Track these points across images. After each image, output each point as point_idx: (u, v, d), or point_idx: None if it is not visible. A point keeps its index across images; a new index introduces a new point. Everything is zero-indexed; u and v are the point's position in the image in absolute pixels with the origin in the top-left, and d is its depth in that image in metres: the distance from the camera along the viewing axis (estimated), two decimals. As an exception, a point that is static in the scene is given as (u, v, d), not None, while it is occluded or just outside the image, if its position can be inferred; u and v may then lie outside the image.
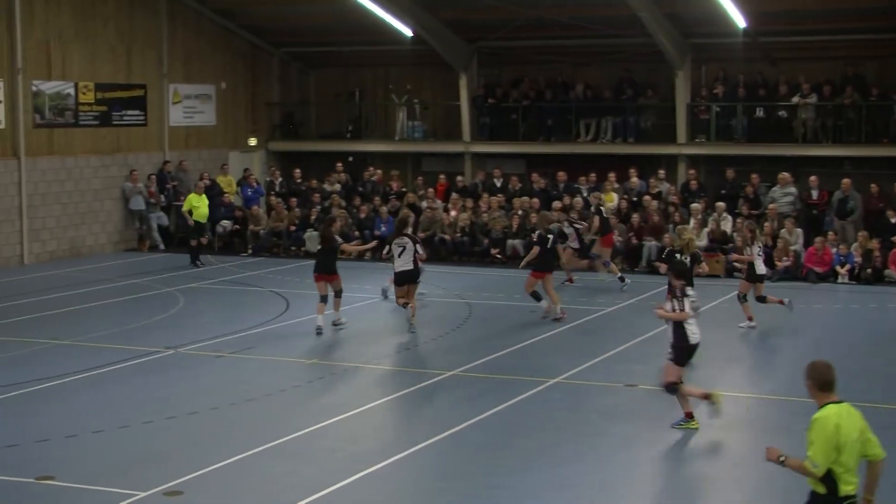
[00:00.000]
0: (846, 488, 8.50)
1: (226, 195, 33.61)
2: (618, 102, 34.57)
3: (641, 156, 33.77)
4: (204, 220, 30.20)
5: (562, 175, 32.61)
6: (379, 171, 35.03)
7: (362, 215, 31.81)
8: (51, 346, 20.04)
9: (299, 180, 34.67)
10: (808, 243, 28.18)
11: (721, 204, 29.60)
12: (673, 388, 14.74)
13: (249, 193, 33.83)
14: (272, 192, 34.17)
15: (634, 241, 29.36)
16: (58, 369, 18.09)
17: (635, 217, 29.85)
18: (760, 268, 21.85)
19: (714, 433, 14.86)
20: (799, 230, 28.48)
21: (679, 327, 14.71)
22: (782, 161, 31.68)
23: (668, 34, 32.01)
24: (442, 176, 34.15)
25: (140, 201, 32.45)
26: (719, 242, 28.63)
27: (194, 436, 14.83)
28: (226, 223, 32.80)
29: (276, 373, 18.26)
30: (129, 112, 33.31)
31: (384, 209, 31.38)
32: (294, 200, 32.98)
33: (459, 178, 34.28)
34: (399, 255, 21.14)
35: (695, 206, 29.53)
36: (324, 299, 21.16)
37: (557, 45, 35.44)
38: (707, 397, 15.02)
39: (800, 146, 31.94)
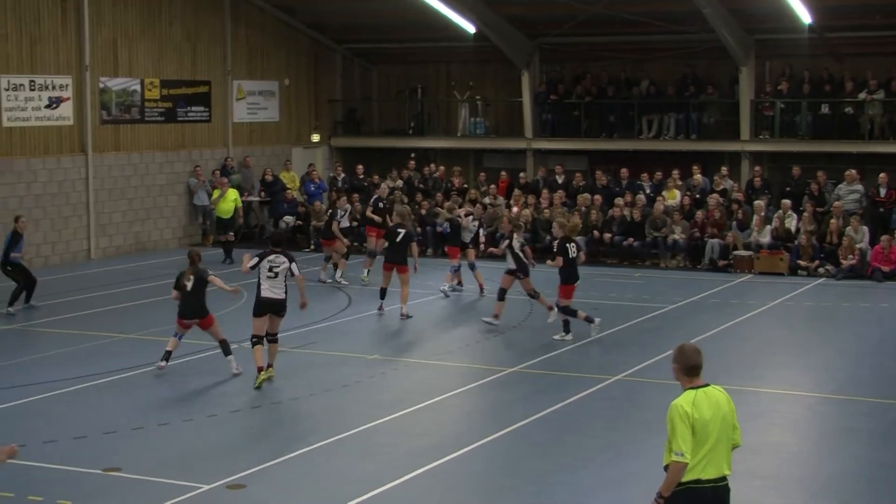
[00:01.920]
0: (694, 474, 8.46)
1: (288, 191, 33.86)
2: (680, 99, 34.42)
3: (704, 152, 33.58)
4: (227, 216, 30.31)
5: (624, 172, 32.56)
6: (441, 168, 35.12)
7: (423, 211, 31.92)
8: (117, 339, 20.34)
9: (361, 176, 34.83)
10: (874, 241, 27.91)
11: (787, 201, 29.36)
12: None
13: (312, 189, 34.03)
14: (334, 188, 34.38)
15: (698, 238, 29.22)
16: (123, 363, 18.35)
17: (699, 214, 29.72)
18: None
19: (775, 432, 14.82)
20: (865, 228, 28.20)
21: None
22: (848, 158, 31.38)
23: (731, 30, 31.81)
24: (503, 172, 34.17)
25: (204, 197, 32.76)
26: (783, 240, 28.43)
27: (257, 430, 15.02)
28: (288, 219, 33.02)
29: (338, 368, 18.40)
30: (194, 108, 33.66)
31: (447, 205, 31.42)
32: (356, 196, 33.13)
33: (521, 174, 34.27)
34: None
35: (759, 203, 29.34)
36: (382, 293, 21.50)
37: (619, 42, 35.36)
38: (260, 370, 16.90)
39: (866, 143, 31.62)
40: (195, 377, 17.72)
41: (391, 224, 23.28)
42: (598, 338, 20.56)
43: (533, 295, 21.36)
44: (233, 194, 30.57)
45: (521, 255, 21.21)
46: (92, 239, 30.39)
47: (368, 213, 28.17)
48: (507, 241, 21.48)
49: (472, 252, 25.68)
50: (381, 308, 22.38)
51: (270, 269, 17.13)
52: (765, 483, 12.84)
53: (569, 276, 20.25)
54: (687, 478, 8.41)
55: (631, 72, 36.04)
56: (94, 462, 13.36)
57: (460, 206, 27.89)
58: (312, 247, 31.57)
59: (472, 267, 25.10)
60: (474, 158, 37.71)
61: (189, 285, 17.38)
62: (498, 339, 20.74)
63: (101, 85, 30.66)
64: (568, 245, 20.29)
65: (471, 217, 26.74)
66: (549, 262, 20.76)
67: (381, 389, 17.38)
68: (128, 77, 31.44)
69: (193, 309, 17.44)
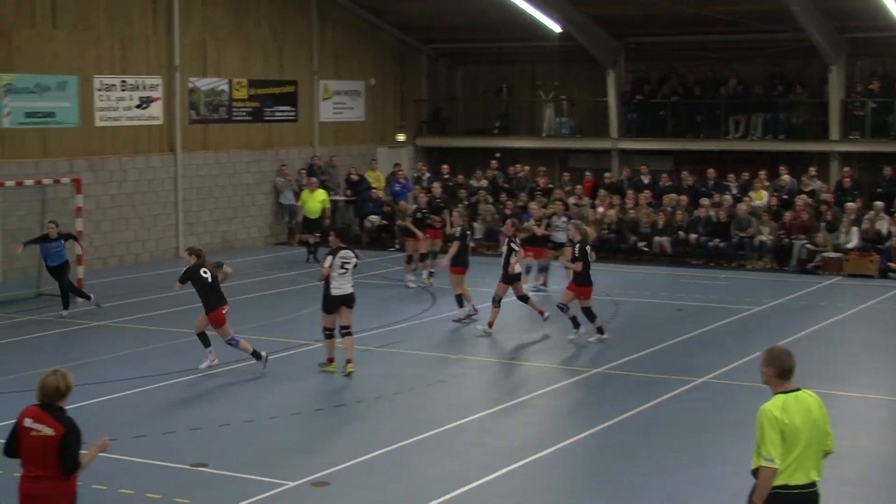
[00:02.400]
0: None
1: (373, 190, 33.98)
2: (768, 98, 34.03)
3: (792, 153, 33.17)
4: (314, 216, 30.26)
5: (711, 172, 32.25)
6: (526, 168, 35.06)
7: (508, 211, 31.84)
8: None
9: (446, 176, 34.86)
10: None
11: (879, 203, 28.85)
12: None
13: (397, 189, 34.11)
14: (419, 188, 34.41)
15: (785, 239, 28.87)
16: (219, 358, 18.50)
17: (786, 215, 29.35)
18: None
19: (863, 438, 14.59)
20: (956, 230, 27.71)
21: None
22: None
23: (821, 29, 31.39)
24: (588, 172, 34.02)
25: (290, 196, 33.00)
26: (873, 242, 27.98)
27: (341, 428, 15.09)
28: (374, 218, 33.15)
29: (422, 367, 18.44)
30: (281, 108, 33.93)
31: (532, 206, 31.32)
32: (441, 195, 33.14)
33: (606, 174, 34.11)
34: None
35: (850, 204, 28.89)
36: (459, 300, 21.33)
37: (706, 41, 35.05)
38: (330, 360, 17.58)
39: (960, 143, 31.09)
40: (280, 375, 17.85)
41: (458, 226, 22.73)
42: (683, 339, 20.40)
43: (496, 301, 20.72)
44: (321, 194, 30.64)
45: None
46: (180, 237, 30.74)
47: (407, 222, 27.32)
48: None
49: (567, 251, 25.42)
50: (471, 313, 22.00)
51: (342, 266, 17.42)
52: (853, 489, 12.64)
53: (586, 279, 19.91)
54: (775, 483, 8.29)
55: (718, 71, 35.72)
56: (182, 457, 13.53)
57: (544, 206, 27.74)
58: (397, 246, 31.63)
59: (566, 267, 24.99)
60: (559, 158, 37.60)
61: (209, 278, 17.70)
62: (582, 339, 20.63)
63: (190, 85, 31.02)
64: (587, 248, 19.90)
65: (564, 219, 26.36)
66: (567, 265, 20.34)
67: (465, 389, 17.38)
68: (216, 77, 31.78)
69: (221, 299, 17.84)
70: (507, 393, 16.92)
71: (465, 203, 32.17)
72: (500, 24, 35.59)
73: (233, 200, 32.32)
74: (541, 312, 20.95)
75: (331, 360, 17.73)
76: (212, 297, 17.56)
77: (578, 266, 19.65)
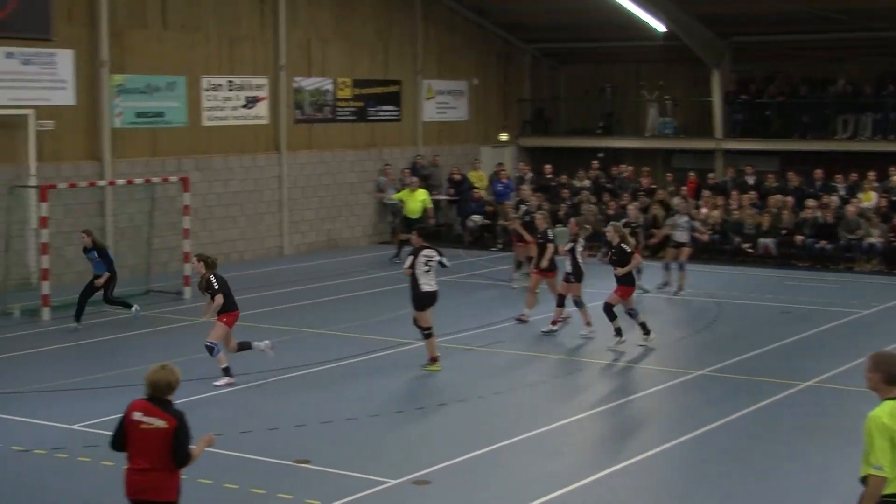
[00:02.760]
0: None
1: (476, 190, 33.99)
2: (878, 98, 33.41)
3: (902, 153, 32.56)
4: (414, 216, 29.79)
5: (818, 173, 31.76)
6: (629, 168, 34.83)
7: (611, 211, 31.68)
8: (307, 334, 20.75)
9: (549, 176, 34.77)
10: None
11: None
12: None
13: (500, 188, 34.08)
14: (522, 188, 34.35)
15: (894, 242, 28.32)
16: (313, 357, 18.70)
17: (896, 217, 28.83)
18: None
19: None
20: None
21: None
22: None
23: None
24: (692, 173, 33.68)
25: (393, 194, 33.12)
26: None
27: (442, 427, 15.12)
28: (476, 218, 33.16)
29: (524, 367, 18.43)
30: (384, 108, 34.11)
31: (630, 207, 31.13)
32: (543, 196, 33.06)
33: (710, 175, 33.76)
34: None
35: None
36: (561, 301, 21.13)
37: (814, 39, 34.51)
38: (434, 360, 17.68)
39: None
40: (381, 374, 17.95)
41: (543, 229, 22.03)
42: (789, 342, 20.13)
43: (579, 303, 20.42)
44: (422, 194, 30.49)
45: (579, 259, 20.40)
46: (285, 236, 31.06)
47: (517, 226, 27.07)
48: (571, 244, 20.53)
49: (686, 251, 25.22)
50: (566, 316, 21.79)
51: (426, 264, 17.60)
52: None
53: (627, 280, 19.61)
54: (885, 491, 8.10)
55: (826, 70, 35.14)
56: (285, 453, 13.66)
57: (645, 208, 27.49)
58: (500, 245, 31.62)
59: (681, 267, 24.84)
60: (662, 159, 37.30)
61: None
62: (685, 341, 20.48)
63: (296, 85, 31.33)
64: (622, 247, 19.60)
65: (686, 218, 26.04)
66: (617, 269, 19.68)
67: (567, 389, 17.34)
68: (321, 77, 32.05)
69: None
70: (610, 394, 16.84)
71: (568, 203, 32.09)
72: (604, 23, 35.43)
73: (336, 199, 32.56)
74: (588, 324, 20.46)
75: (434, 360, 17.82)
76: (228, 301, 17.32)
77: (625, 269, 19.43)
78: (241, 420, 15.17)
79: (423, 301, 17.77)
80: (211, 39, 29.09)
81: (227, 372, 17.04)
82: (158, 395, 9.09)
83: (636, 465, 13.43)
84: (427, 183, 33.51)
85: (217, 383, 16.88)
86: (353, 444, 14.18)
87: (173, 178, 25.75)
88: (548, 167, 35.12)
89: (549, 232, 21.78)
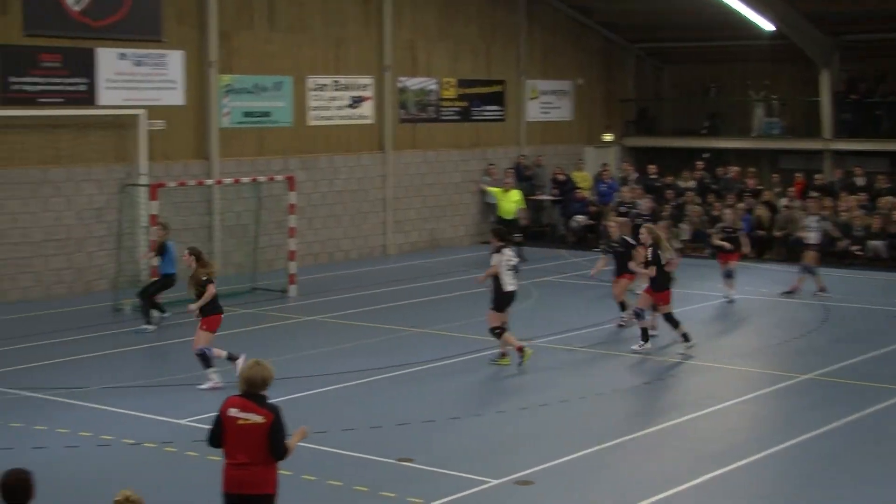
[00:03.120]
0: None
1: (579, 190, 33.87)
2: None
3: None
4: (509, 217, 29.48)
5: (931, 174, 31.17)
6: (735, 168, 34.44)
7: (716, 212, 31.34)
8: (410, 333, 20.85)
9: (654, 176, 34.51)
10: None
11: None
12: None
13: (604, 189, 33.93)
14: (624, 189, 34.16)
15: None
16: (416, 356, 18.80)
17: None
18: None
19: None
20: None
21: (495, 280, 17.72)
22: None
23: None
24: (799, 174, 33.20)
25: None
26: None
27: (545, 427, 15.10)
28: (580, 218, 33.05)
29: (626, 369, 18.34)
30: (488, 108, 34.15)
31: (729, 211, 30.70)
32: (648, 197, 32.84)
33: (817, 175, 33.24)
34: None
35: None
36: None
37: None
38: (520, 350, 17.65)
39: None
40: (483, 374, 17.99)
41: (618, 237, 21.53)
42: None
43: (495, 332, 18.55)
44: (515, 195, 30.08)
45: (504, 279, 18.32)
46: (388, 235, 31.25)
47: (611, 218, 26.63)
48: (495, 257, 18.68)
49: (811, 254, 24.71)
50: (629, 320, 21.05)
51: (508, 263, 17.83)
52: None
53: (662, 284, 19.13)
54: None
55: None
56: (388, 451, 13.75)
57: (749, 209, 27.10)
58: (603, 246, 31.42)
59: (807, 270, 24.44)
60: (769, 159, 36.80)
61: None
62: (790, 344, 20.21)
63: (400, 85, 31.50)
64: (660, 252, 19.09)
65: (816, 218, 25.64)
66: (642, 269, 19.47)
67: (671, 392, 17.24)
68: (425, 77, 32.19)
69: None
70: (714, 396, 16.67)
71: (672, 204, 31.84)
72: (709, 22, 35.07)
73: (440, 199, 32.67)
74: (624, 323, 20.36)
75: (521, 348, 17.89)
76: (213, 304, 16.98)
77: (652, 271, 19.02)
78: (344, 418, 15.30)
79: (506, 301, 17.89)
80: (317, 40, 29.36)
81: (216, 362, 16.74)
82: (254, 391, 9.26)
83: (740, 469, 13.29)
84: (530, 183, 33.50)
85: (202, 387, 16.59)
86: (455, 443, 14.24)
87: (279, 177, 26.03)
88: (652, 167, 34.84)
89: (629, 239, 21.34)
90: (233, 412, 9.22)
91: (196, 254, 17.16)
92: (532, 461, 13.34)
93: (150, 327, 21.07)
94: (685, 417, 15.48)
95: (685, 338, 19.07)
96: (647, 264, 19.26)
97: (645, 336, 19.21)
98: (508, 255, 17.88)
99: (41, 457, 13.33)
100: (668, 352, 19.41)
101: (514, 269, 17.90)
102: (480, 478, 12.76)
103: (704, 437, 14.69)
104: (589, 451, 13.87)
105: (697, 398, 16.57)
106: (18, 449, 13.75)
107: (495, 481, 12.67)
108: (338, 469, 13.07)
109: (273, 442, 9.13)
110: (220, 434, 9.29)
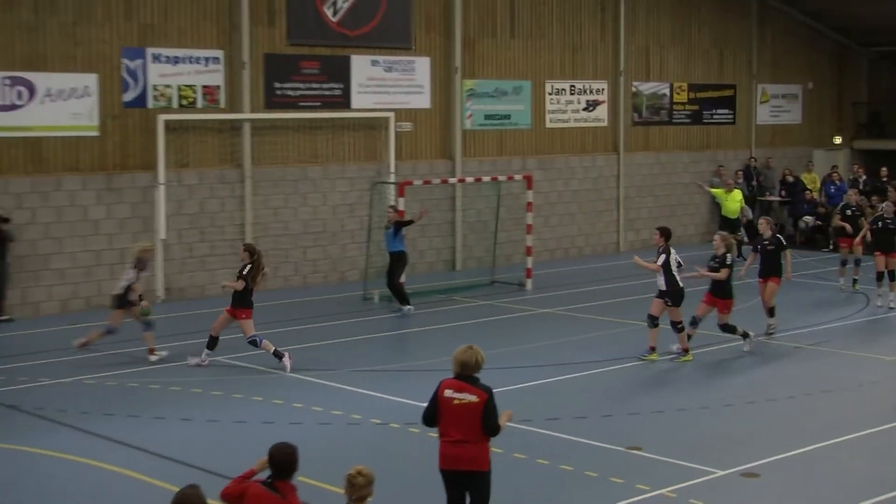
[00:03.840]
0: None
1: (808, 192, 32.98)
2: None
3: None
4: (732, 217, 28.68)
5: None
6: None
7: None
8: (639, 327, 20.62)
9: (885, 178, 33.24)
10: None
11: None
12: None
13: (832, 190, 32.91)
14: (850, 192, 32.98)
15: None
16: (643, 348, 18.54)
17: None
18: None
19: None
20: None
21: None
22: None
23: None
24: None
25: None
26: None
27: (772, 422, 14.75)
28: (808, 219, 32.18)
29: (854, 367, 17.74)
30: (719, 111, 33.57)
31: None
32: (876, 198, 31.67)
33: None
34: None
35: None
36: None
37: None
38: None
39: None
40: (710, 368, 17.73)
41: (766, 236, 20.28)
42: None
43: (678, 327, 17.93)
44: (738, 195, 29.25)
45: (676, 275, 17.84)
46: (621, 232, 31.08)
47: (837, 220, 25.57)
48: (662, 257, 17.91)
49: None
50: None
51: (677, 262, 17.80)
52: None
53: (727, 292, 18.06)
54: None
55: None
56: (618, 440, 13.69)
57: None
58: (831, 247, 30.52)
59: None
60: None
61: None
62: None
63: (634, 89, 31.27)
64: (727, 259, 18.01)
65: None
66: (703, 273, 18.27)
67: (898, 391, 16.60)
68: (658, 81, 31.87)
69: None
70: (943, 398, 16.00)
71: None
72: (944, 25, 33.60)
73: (671, 199, 32.30)
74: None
75: (653, 349, 17.75)
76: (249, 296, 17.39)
77: (724, 273, 17.95)
78: (577, 406, 15.30)
79: (681, 297, 17.72)
80: (554, 46, 29.41)
81: (278, 355, 17.15)
82: (467, 374, 9.46)
83: (970, 470, 12.74)
84: (759, 184, 32.78)
85: (284, 366, 17.03)
86: (683, 434, 14.06)
87: (518, 177, 26.20)
88: (884, 170, 33.57)
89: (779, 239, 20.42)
90: (448, 393, 9.44)
91: (250, 250, 17.52)
92: (758, 454, 13.06)
93: (408, 307, 21.63)
94: (914, 417, 14.90)
95: (745, 335, 18.36)
96: (712, 270, 18.15)
97: (747, 334, 18.39)
98: (675, 254, 17.82)
99: (298, 432, 13.79)
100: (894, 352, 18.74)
101: (679, 265, 17.78)
102: (706, 468, 12.57)
103: (934, 437, 14.11)
104: (815, 446, 13.47)
105: (926, 399, 15.93)
106: (279, 423, 14.29)
107: (721, 472, 12.46)
108: (569, 455, 13.07)
109: (486, 420, 9.31)
110: (434, 414, 9.52)
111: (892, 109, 38.52)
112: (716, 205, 32.76)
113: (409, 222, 22.35)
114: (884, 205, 24.14)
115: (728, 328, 18.29)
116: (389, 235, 22.02)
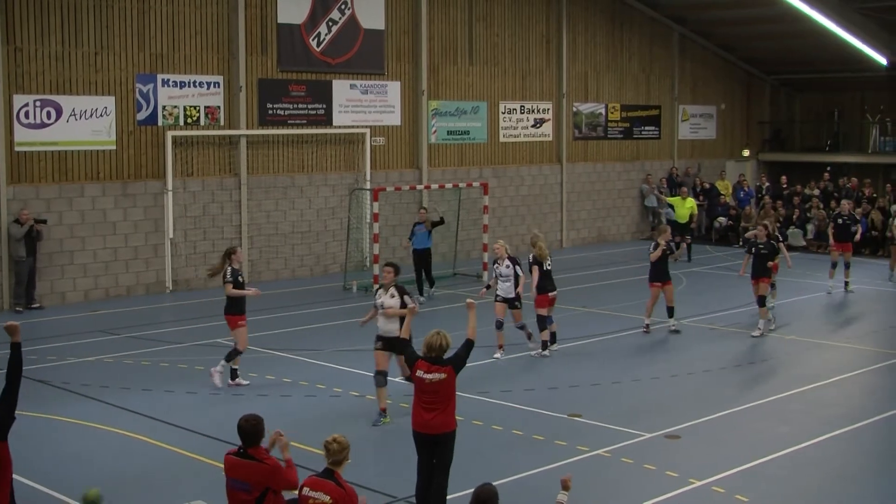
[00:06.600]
0: None
1: (722, 196, 33.19)
2: None
3: None
4: (682, 221, 28.21)
5: None
6: (854, 179, 33.16)
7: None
8: (581, 312, 20.75)
9: (784, 186, 33.54)
10: None
11: None
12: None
13: (742, 196, 33.16)
14: (760, 195, 33.29)
15: None
16: (586, 331, 18.69)
17: None
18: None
19: None
20: None
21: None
22: None
23: None
24: (909, 184, 31.78)
25: (653, 200, 32.74)
26: None
27: (690, 392, 14.86)
28: (722, 220, 32.38)
29: (762, 345, 17.87)
30: (647, 128, 33.68)
31: (858, 210, 29.57)
32: (780, 202, 31.97)
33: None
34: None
35: None
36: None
37: None
38: None
39: None
40: (642, 348, 17.80)
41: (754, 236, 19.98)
42: None
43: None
44: (690, 202, 28.81)
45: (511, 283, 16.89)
46: (564, 231, 31.15)
47: (829, 229, 24.23)
48: (517, 268, 17.12)
49: None
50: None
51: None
52: None
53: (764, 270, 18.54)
54: None
55: None
56: (560, 408, 13.75)
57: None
58: (741, 243, 30.71)
59: None
60: (883, 172, 35.30)
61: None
62: (902, 328, 19.41)
63: (574, 109, 31.32)
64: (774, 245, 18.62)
65: None
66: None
67: (795, 365, 16.71)
68: (595, 102, 31.93)
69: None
70: (836, 370, 16.08)
71: (799, 208, 30.86)
72: (834, 57, 33.87)
73: (606, 202, 32.39)
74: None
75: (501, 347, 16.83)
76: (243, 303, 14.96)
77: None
78: (525, 381, 15.34)
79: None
80: (507, 72, 29.42)
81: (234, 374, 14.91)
82: (434, 355, 9.63)
83: (856, 430, 12.89)
84: (681, 189, 32.89)
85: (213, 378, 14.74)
86: (617, 403, 14.14)
87: (476, 184, 26.16)
88: (783, 178, 33.86)
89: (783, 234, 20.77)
90: (420, 373, 9.63)
91: (226, 251, 15.07)
92: (678, 419, 13.17)
93: (423, 297, 21.69)
94: (809, 386, 15.02)
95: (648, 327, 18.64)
96: (762, 256, 18.61)
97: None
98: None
99: (288, 404, 13.76)
100: (797, 332, 18.88)
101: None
102: (636, 431, 12.67)
103: (825, 403, 14.23)
104: (726, 412, 13.61)
105: (819, 371, 16.05)
106: (271, 396, 14.24)
107: (648, 435, 12.56)
108: (520, 421, 13.13)
109: (458, 370, 9.67)
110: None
111: (790, 127, 38.84)
112: (646, 208, 33.04)
113: (441, 222, 23.04)
114: (842, 203, 24.51)
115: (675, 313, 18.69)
116: (424, 235, 22.13)
